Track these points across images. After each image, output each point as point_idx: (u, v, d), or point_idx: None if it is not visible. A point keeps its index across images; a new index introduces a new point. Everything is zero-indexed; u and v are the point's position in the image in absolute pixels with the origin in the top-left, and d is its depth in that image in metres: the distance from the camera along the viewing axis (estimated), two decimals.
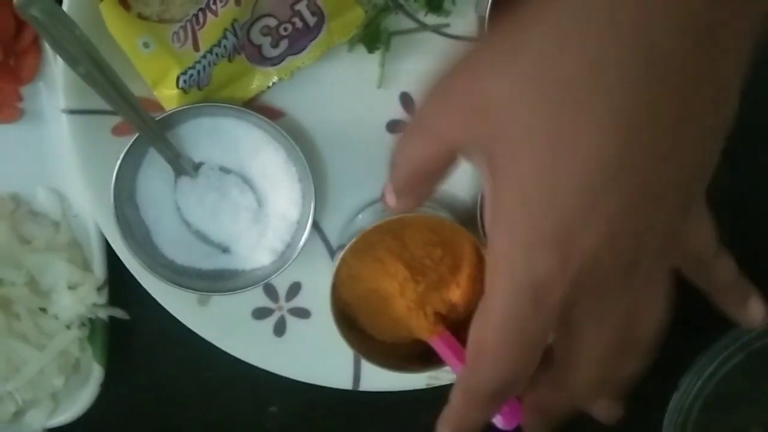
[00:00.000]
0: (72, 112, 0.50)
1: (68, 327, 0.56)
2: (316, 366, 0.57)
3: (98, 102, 0.46)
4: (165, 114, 0.48)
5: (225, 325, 0.56)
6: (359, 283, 0.50)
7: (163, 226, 0.51)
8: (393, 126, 0.53)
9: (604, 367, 0.35)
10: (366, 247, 0.49)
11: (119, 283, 0.56)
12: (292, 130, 0.52)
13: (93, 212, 0.53)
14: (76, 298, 0.54)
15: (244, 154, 0.50)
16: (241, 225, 0.51)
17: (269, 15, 0.48)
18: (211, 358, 0.56)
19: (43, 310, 0.55)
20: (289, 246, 0.51)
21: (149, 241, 0.51)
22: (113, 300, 0.57)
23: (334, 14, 0.49)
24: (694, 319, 0.60)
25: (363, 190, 0.54)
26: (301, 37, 0.49)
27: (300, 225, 0.51)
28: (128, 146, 0.47)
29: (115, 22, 0.46)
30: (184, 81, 0.48)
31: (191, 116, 0.49)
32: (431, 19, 0.51)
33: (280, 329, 0.57)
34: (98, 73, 0.43)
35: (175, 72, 0.48)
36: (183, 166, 0.49)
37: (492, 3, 0.46)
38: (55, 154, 0.54)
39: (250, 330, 0.56)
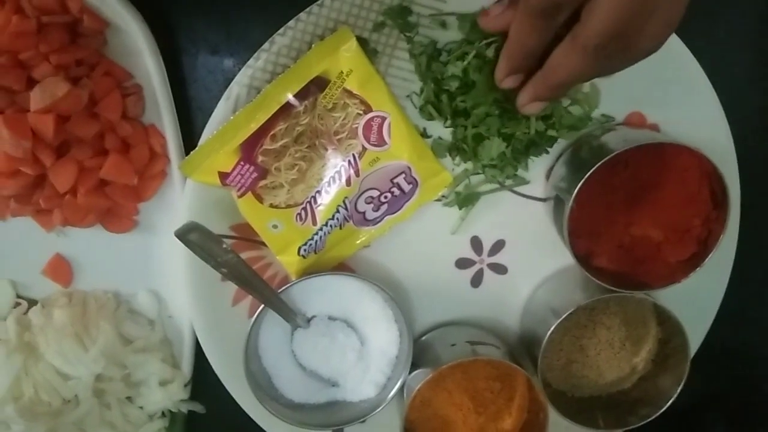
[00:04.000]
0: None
1: (150, 417, 0.61)
2: None
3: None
4: (284, 287, 0.55)
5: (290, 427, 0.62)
6: (427, 408, 0.57)
7: (282, 371, 0.58)
8: (461, 263, 0.61)
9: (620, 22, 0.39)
10: (438, 377, 0.56)
11: (197, 375, 0.62)
12: (377, 264, 0.60)
13: (192, 318, 0.58)
14: (166, 394, 0.60)
15: (347, 303, 0.58)
16: (348, 363, 0.58)
17: (373, 188, 0.56)
18: None
19: (128, 398, 0.61)
20: (390, 379, 0.58)
21: (272, 385, 0.57)
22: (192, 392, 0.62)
23: (425, 179, 0.57)
24: None
25: (432, 314, 0.62)
26: (397, 201, 0.57)
27: (399, 360, 0.58)
28: (255, 316, 0.54)
29: (250, 211, 0.55)
30: (305, 250, 0.56)
31: (302, 278, 0.55)
32: (508, 181, 0.59)
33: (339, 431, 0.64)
34: (237, 272, 0.51)
35: (298, 244, 0.56)
36: (298, 322, 0.57)
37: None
38: (157, 261, 0.60)
39: None
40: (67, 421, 0.56)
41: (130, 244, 0.59)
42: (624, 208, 0.54)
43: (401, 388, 0.57)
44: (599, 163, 0.51)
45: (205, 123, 0.55)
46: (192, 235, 0.47)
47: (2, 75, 0.49)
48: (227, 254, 0.49)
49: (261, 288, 0.53)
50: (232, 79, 0.54)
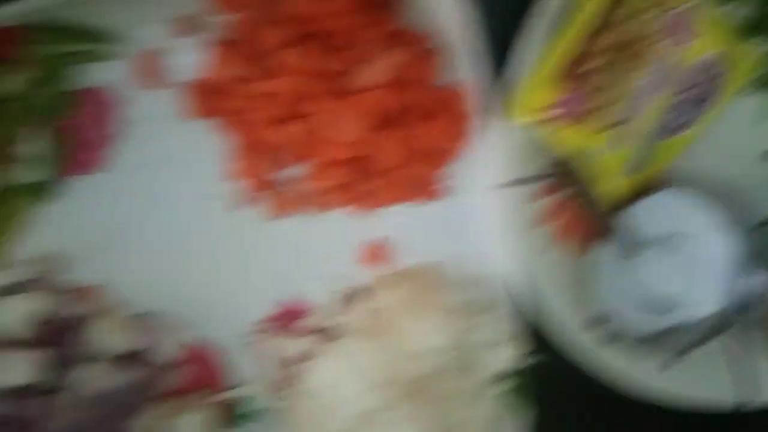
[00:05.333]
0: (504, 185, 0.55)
1: (494, 382, 0.60)
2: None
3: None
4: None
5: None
6: None
7: (621, 305, 0.56)
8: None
9: None
10: None
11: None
12: (688, 171, 0.57)
13: (516, 268, 0.57)
14: (508, 352, 0.58)
15: (672, 220, 0.54)
16: (687, 278, 0.55)
17: (686, 89, 0.53)
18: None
19: (470, 367, 0.59)
20: (738, 284, 0.54)
21: (613, 320, 0.56)
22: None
23: (735, 65, 0.54)
24: None
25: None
26: (708, 97, 0.55)
27: (741, 263, 0.54)
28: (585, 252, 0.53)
29: (576, 141, 0.52)
30: (629, 170, 0.54)
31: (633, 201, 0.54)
32: None
33: None
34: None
35: (622, 165, 0.54)
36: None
37: None
38: (469, 221, 0.58)
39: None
40: (436, 395, 0.55)
41: (439, 211, 0.58)
42: None
43: (756, 293, 0.55)
44: None
45: (509, 61, 0.53)
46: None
47: (326, 58, 0.49)
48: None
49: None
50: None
